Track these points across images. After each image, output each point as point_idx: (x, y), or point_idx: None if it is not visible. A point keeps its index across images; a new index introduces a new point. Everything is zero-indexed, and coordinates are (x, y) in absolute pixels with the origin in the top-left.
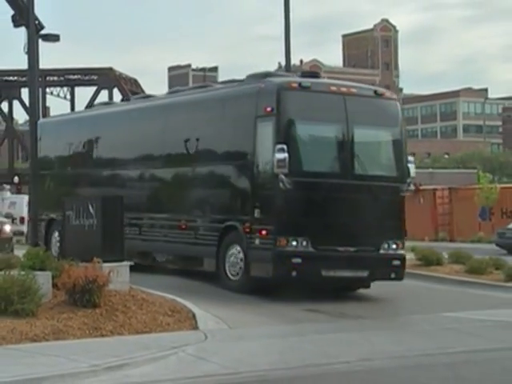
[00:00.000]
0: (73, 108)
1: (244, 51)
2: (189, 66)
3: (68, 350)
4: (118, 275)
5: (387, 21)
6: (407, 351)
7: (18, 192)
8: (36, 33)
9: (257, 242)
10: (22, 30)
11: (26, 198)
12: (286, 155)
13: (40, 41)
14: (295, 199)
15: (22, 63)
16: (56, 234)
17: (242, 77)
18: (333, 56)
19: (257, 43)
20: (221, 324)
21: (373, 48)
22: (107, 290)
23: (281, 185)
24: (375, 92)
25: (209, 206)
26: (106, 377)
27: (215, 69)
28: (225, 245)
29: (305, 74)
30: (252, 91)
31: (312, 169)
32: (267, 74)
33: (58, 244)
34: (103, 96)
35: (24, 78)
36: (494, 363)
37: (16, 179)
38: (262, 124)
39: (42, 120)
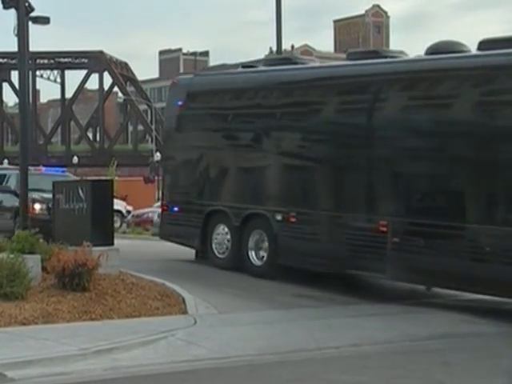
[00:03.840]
0: (63, 92)
1: (235, 36)
2: (180, 50)
3: (57, 334)
4: (107, 259)
5: (379, 6)
6: (396, 337)
7: None
8: (26, 15)
9: None
10: (12, 11)
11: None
12: None
13: (30, 23)
14: None
15: (12, 45)
16: (221, 228)
17: (234, 61)
18: (324, 41)
19: (248, 28)
20: (210, 309)
21: (364, 34)
22: (97, 274)
23: None
24: None
25: None
26: (95, 360)
27: (206, 53)
28: None
29: None
30: None
31: None
32: None
33: (227, 245)
34: (94, 79)
35: (14, 61)
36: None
37: (6, 162)
38: None
39: (191, 78)
